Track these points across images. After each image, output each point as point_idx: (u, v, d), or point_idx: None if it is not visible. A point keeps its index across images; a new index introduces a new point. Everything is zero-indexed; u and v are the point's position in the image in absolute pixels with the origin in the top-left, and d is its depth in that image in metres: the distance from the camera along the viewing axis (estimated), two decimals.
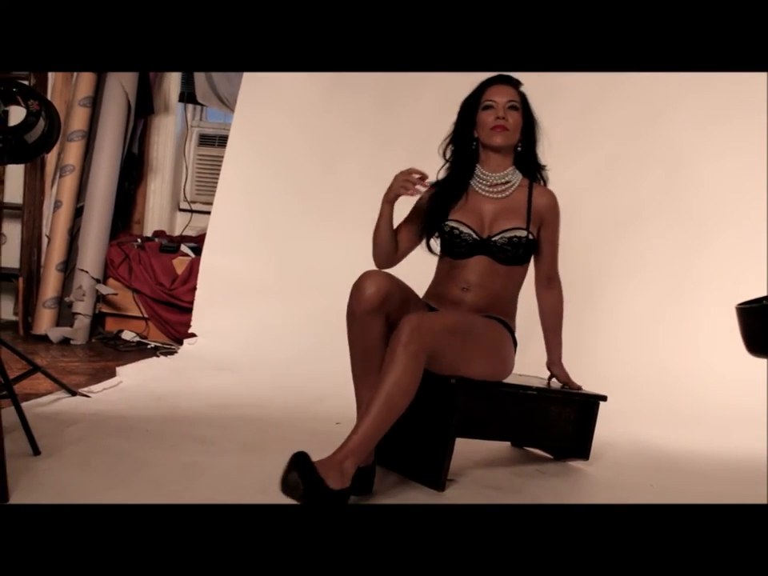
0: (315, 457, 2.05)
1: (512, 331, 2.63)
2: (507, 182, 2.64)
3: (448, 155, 2.69)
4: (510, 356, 2.59)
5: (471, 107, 2.64)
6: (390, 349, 2.23)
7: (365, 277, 2.35)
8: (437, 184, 2.65)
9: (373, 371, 2.34)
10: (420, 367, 2.23)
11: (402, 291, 2.40)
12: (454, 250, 2.59)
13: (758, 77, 3.86)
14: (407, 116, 4.28)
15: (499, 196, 2.63)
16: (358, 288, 2.33)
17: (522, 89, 2.66)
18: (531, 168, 2.68)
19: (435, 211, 2.62)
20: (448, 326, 2.33)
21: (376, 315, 2.32)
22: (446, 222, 2.60)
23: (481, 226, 2.60)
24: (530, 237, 2.59)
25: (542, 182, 2.70)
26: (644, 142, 4.17)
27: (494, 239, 2.57)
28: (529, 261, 2.66)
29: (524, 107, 2.64)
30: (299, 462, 2.03)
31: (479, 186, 2.65)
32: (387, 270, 2.45)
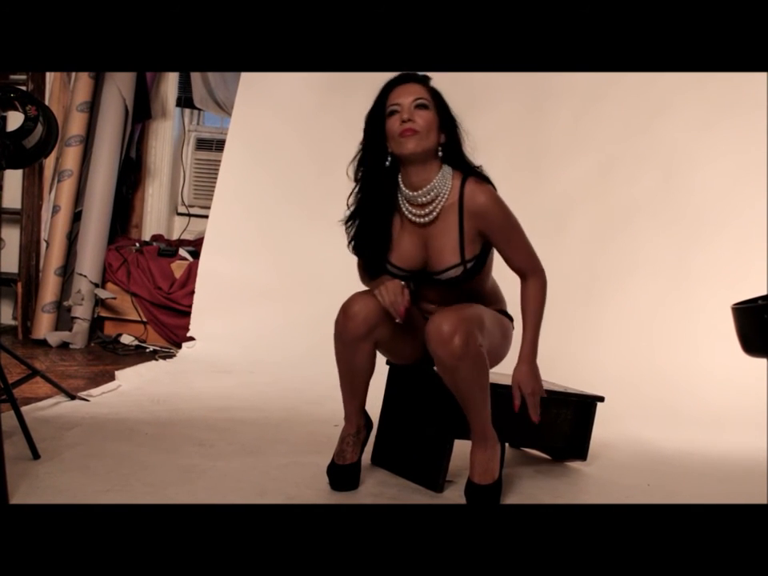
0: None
1: (504, 312, 2.57)
2: (434, 199, 2.33)
3: (358, 177, 2.39)
4: (510, 336, 2.57)
5: (377, 118, 2.31)
6: (442, 368, 2.26)
7: (354, 301, 2.33)
8: (353, 216, 2.42)
9: (360, 391, 2.45)
10: (479, 354, 2.25)
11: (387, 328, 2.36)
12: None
13: (754, 76, 3.87)
14: None
15: (427, 219, 2.35)
16: (345, 313, 2.33)
17: (433, 84, 2.34)
18: (463, 169, 2.36)
19: (373, 262, 2.43)
20: (474, 320, 2.27)
21: (364, 341, 2.34)
22: (387, 267, 2.41)
23: (421, 261, 2.40)
24: (468, 267, 2.36)
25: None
26: (641, 142, 4.18)
27: (435, 277, 2.40)
28: (482, 270, 2.41)
29: (437, 104, 2.31)
30: None
31: (406, 208, 2.37)
32: None
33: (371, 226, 2.40)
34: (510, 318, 2.58)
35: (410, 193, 2.34)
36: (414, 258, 2.40)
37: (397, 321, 2.27)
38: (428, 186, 2.32)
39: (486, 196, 2.32)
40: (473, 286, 2.45)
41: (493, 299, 2.55)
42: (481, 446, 2.40)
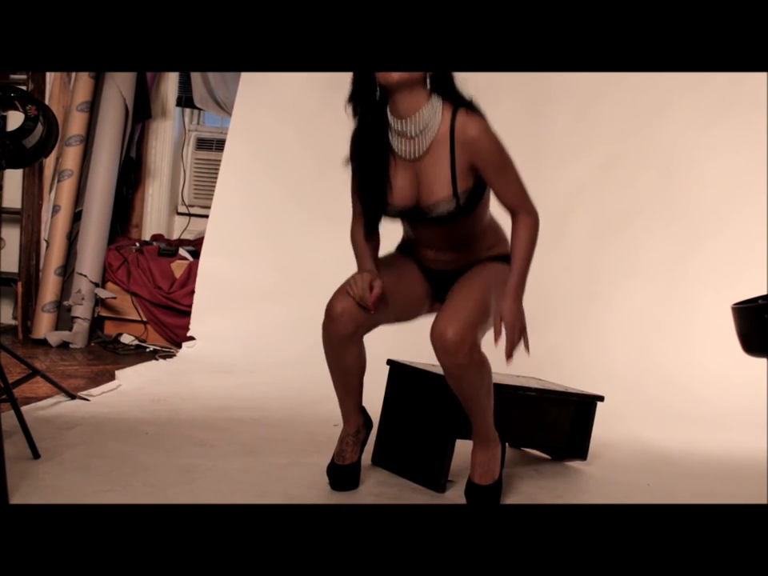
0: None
1: (507, 257, 2.42)
2: (424, 129, 2.26)
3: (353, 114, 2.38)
4: None
5: None
6: (448, 375, 2.28)
7: (335, 302, 2.33)
8: (357, 155, 2.40)
9: (354, 390, 2.47)
10: (483, 361, 2.28)
11: (372, 319, 2.36)
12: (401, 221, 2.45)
13: (754, 76, 3.87)
14: None
15: (418, 153, 2.29)
16: (329, 315, 2.34)
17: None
18: (454, 100, 2.28)
19: (372, 201, 2.39)
20: (474, 314, 2.26)
21: (351, 340, 2.36)
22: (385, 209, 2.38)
23: (414, 197, 2.34)
24: (460, 203, 2.29)
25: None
26: (640, 142, 4.18)
27: (427, 214, 2.33)
28: (478, 204, 2.35)
29: None
30: None
31: (397, 146, 2.31)
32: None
33: (367, 167, 2.36)
34: None
35: (399, 123, 2.27)
36: (407, 195, 2.34)
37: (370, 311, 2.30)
38: (416, 114, 2.24)
39: (478, 128, 2.25)
40: (469, 227, 2.39)
41: (492, 240, 2.48)
42: (483, 446, 2.42)
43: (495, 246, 2.47)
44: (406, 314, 2.51)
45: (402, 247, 2.56)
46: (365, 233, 2.43)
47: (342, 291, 2.34)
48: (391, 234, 2.51)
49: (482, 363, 2.28)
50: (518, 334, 2.28)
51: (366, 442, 2.54)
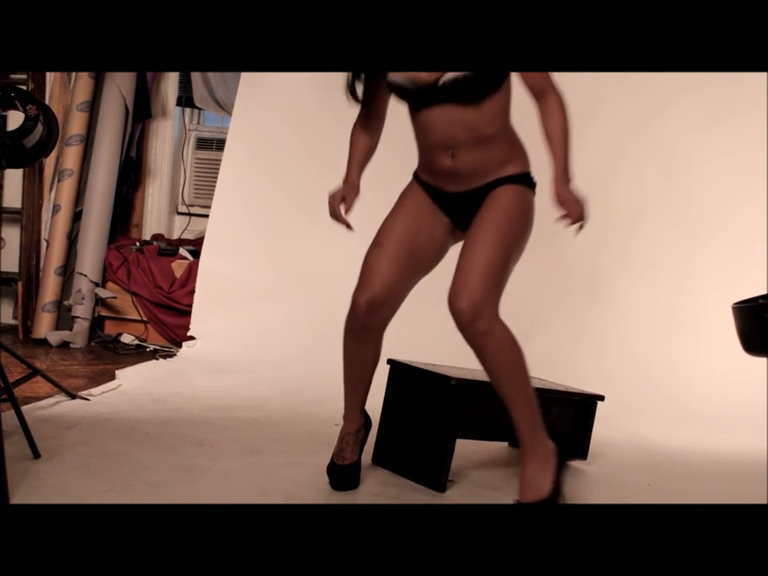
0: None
1: (527, 180, 2.32)
2: None
3: None
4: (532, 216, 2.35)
5: None
6: (472, 348, 2.18)
7: (360, 291, 2.31)
8: None
9: (364, 386, 2.46)
10: (505, 330, 2.18)
11: (401, 288, 2.33)
12: (407, 102, 2.30)
13: (755, 76, 3.87)
14: (404, 118, 4.27)
15: None
16: (352, 304, 2.33)
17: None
18: None
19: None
20: (488, 276, 2.17)
21: (375, 331, 2.36)
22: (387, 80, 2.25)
23: (436, 73, 2.18)
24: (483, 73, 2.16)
25: None
26: (640, 142, 4.18)
27: (448, 86, 2.17)
28: (501, 84, 2.23)
29: None
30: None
31: None
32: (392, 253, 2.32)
33: None
34: (533, 186, 2.34)
35: None
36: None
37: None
38: None
39: None
40: (489, 118, 2.22)
41: (509, 152, 2.31)
42: (528, 456, 2.27)
43: (512, 160, 2.30)
44: (432, 264, 2.42)
45: (413, 183, 2.43)
46: (366, 123, 2.42)
47: (365, 281, 2.31)
48: None
49: (505, 332, 2.17)
50: (578, 212, 2.20)
51: (365, 442, 2.54)
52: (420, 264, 2.37)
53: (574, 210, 2.20)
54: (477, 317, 2.13)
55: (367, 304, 2.29)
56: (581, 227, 2.23)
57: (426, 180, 2.38)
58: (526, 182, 2.32)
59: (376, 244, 2.35)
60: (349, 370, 2.44)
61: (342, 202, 2.36)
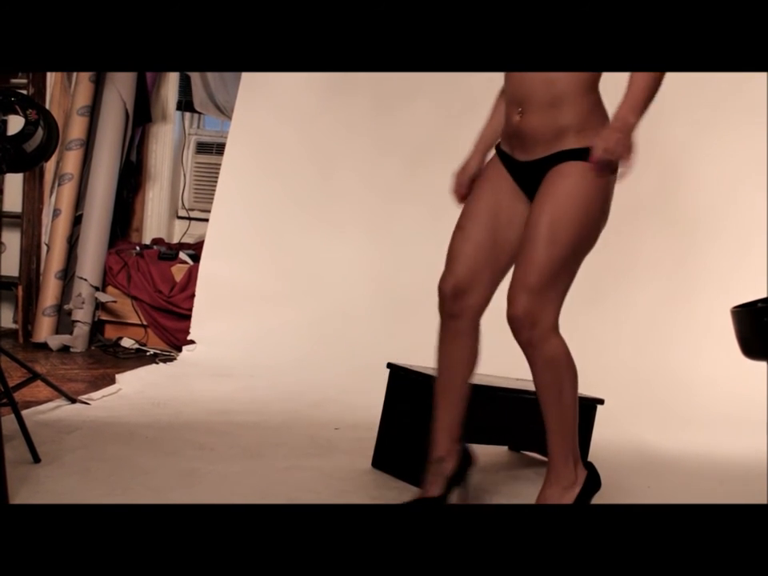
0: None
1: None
2: None
3: None
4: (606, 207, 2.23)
5: None
6: (525, 354, 2.04)
7: (445, 277, 2.14)
8: None
9: (452, 397, 2.19)
10: (560, 345, 2.04)
11: (488, 270, 2.14)
12: None
13: (755, 77, 3.87)
14: (404, 119, 4.28)
15: None
16: (438, 289, 2.15)
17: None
18: None
19: None
20: (545, 279, 2.02)
21: (465, 323, 2.13)
22: None
23: None
24: None
25: None
26: (641, 142, 4.16)
27: None
28: None
29: None
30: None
31: None
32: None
33: None
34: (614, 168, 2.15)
35: None
36: None
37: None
38: None
39: None
40: (565, 80, 2.09)
41: (586, 120, 2.13)
42: (551, 479, 2.13)
43: (587, 129, 2.11)
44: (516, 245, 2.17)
45: (494, 157, 2.25)
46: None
47: (448, 267, 2.14)
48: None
49: (559, 348, 2.02)
50: (619, 150, 2.05)
51: (458, 481, 2.22)
52: (505, 243, 2.15)
53: (611, 149, 2.01)
54: (530, 325, 2.00)
55: (452, 289, 2.12)
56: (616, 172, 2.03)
57: (503, 148, 2.19)
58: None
59: (458, 228, 2.18)
60: (440, 376, 2.20)
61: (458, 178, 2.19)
